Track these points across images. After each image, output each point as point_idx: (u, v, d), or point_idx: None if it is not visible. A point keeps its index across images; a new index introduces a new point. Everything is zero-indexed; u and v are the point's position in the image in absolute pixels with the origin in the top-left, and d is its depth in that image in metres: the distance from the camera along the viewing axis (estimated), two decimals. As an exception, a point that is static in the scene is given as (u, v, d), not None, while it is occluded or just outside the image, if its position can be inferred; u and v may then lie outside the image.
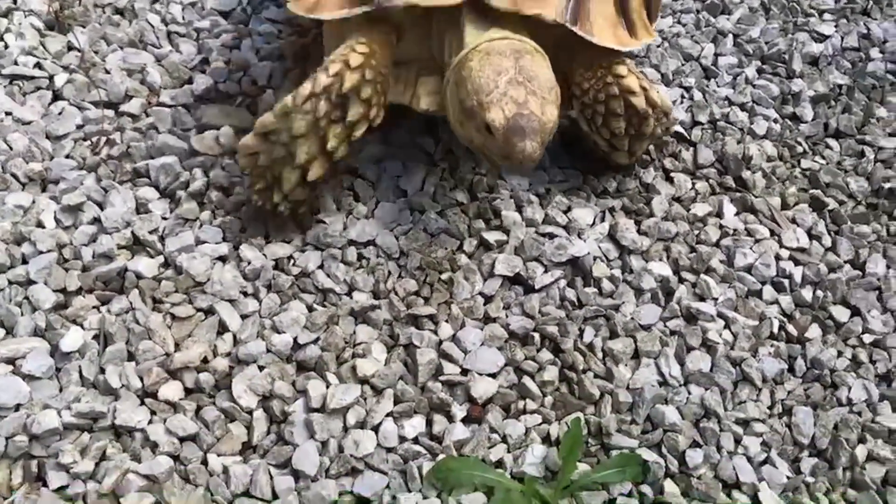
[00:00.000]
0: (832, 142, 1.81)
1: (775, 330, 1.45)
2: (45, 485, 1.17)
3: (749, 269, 1.53)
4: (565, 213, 1.57)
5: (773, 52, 1.98)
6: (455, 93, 1.34)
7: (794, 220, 1.63)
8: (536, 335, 1.39)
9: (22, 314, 1.32)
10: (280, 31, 1.86)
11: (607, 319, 1.43)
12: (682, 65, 1.93)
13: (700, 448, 1.30)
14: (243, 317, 1.37)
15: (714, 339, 1.41)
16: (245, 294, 1.39)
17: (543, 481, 1.24)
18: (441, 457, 1.24)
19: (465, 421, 1.29)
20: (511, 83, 1.27)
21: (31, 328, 1.30)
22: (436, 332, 1.38)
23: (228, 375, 1.30)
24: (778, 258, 1.55)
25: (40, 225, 1.43)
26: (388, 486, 1.22)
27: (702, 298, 1.48)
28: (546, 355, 1.37)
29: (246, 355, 1.31)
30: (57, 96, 1.65)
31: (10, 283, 1.35)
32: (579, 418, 1.29)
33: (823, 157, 1.78)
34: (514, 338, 1.39)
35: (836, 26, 2.09)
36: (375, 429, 1.26)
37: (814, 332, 1.46)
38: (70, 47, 1.75)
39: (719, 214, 1.62)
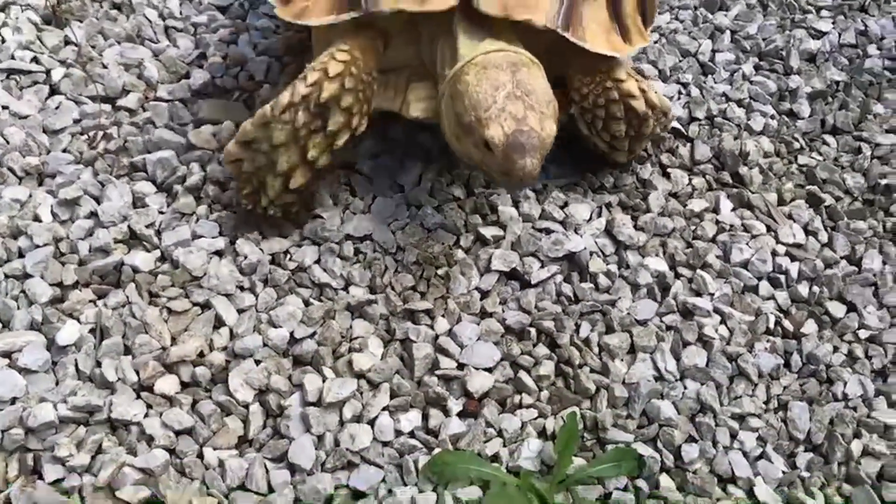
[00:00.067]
0: (829, 138, 1.81)
1: (771, 325, 1.45)
2: (40, 478, 1.17)
3: (745, 264, 1.53)
4: (562, 208, 1.57)
5: (770, 48, 1.98)
6: (451, 107, 1.32)
7: (790, 216, 1.63)
8: (533, 330, 1.39)
9: (18, 308, 1.32)
10: (277, 27, 1.85)
11: (603, 314, 1.43)
12: (680, 61, 1.93)
13: (696, 443, 1.30)
14: (240, 311, 1.37)
15: (710, 334, 1.41)
16: (241, 288, 1.39)
17: (539, 475, 1.24)
18: (437, 451, 1.25)
19: (461, 415, 1.30)
20: (509, 98, 1.25)
21: (28, 322, 1.30)
22: (432, 327, 1.38)
23: (225, 369, 1.30)
24: (774, 254, 1.55)
25: (37, 219, 1.43)
26: (384, 480, 1.22)
27: (698, 294, 1.48)
28: (542, 350, 1.37)
29: (242, 349, 1.31)
30: (54, 91, 1.65)
31: (7, 276, 1.35)
32: (575, 413, 1.29)
33: (820, 154, 1.78)
34: (510, 333, 1.39)
35: (833, 23, 2.10)
36: (371, 423, 1.27)
37: (810, 327, 1.46)
38: (67, 42, 1.75)
39: (716, 210, 1.62)
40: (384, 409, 1.28)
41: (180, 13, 1.88)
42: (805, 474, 1.29)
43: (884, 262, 1.57)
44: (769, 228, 1.60)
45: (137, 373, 1.27)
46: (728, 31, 2.02)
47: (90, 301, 1.35)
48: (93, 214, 1.44)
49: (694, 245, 1.54)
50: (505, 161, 1.22)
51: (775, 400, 1.37)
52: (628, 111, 1.49)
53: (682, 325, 1.42)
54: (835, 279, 1.52)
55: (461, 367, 1.34)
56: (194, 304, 1.36)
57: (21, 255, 1.38)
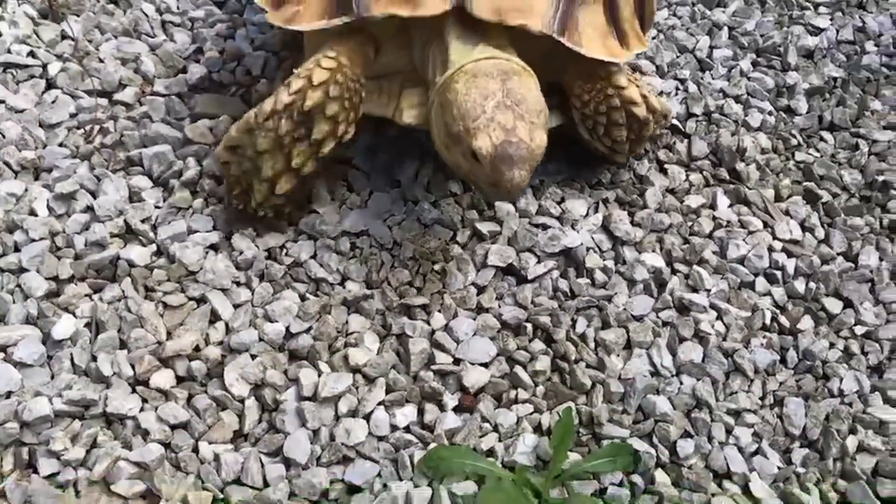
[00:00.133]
0: (826, 134, 1.81)
1: (767, 321, 1.45)
2: (35, 472, 1.17)
3: (742, 260, 1.53)
4: (559, 203, 1.57)
5: (768, 44, 1.98)
6: (440, 115, 1.29)
7: (787, 213, 1.63)
8: (529, 325, 1.39)
9: (14, 302, 1.32)
10: (274, 21, 1.85)
11: (600, 310, 1.43)
12: (677, 57, 1.93)
13: (691, 438, 1.30)
14: (236, 306, 1.37)
15: (706, 329, 1.41)
16: (237, 283, 1.39)
17: (534, 470, 1.24)
18: (432, 445, 1.24)
19: (456, 410, 1.30)
20: (499, 107, 1.22)
21: (23, 316, 1.30)
22: (428, 322, 1.38)
23: (220, 364, 1.30)
24: (771, 250, 1.55)
25: (33, 213, 1.42)
26: (379, 475, 1.22)
27: (694, 290, 1.48)
28: (538, 345, 1.37)
29: (238, 344, 1.31)
30: (50, 85, 1.65)
31: (3, 270, 1.35)
32: (571, 408, 1.29)
33: (817, 150, 1.78)
34: (506, 328, 1.39)
35: (831, 19, 2.10)
36: (367, 417, 1.27)
37: (806, 323, 1.46)
38: (64, 36, 1.74)
39: (713, 206, 1.62)
40: (380, 403, 1.28)
41: (177, 8, 1.88)
42: (800, 470, 1.29)
43: (880, 259, 1.57)
44: (766, 224, 1.60)
45: (133, 367, 1.27)
46: (726, 28, 2.02)
47: (86, 295, 1.35)
48: (89, 209, 1.44)
49: (691, 241, 1.54)
50: (493, 172, 1.20)
51: (771, 396, 1.37)
52: (630, 117, 1.48)
53: (678, 321, 1.42)
54: (831, 275, 1.51)
55: (457, 362, 1.34)
56: (190, 299, 1.36)
57: (17, 249, 1.38)
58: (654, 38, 1.96)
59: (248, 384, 1.28)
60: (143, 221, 1.43)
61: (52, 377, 1.26)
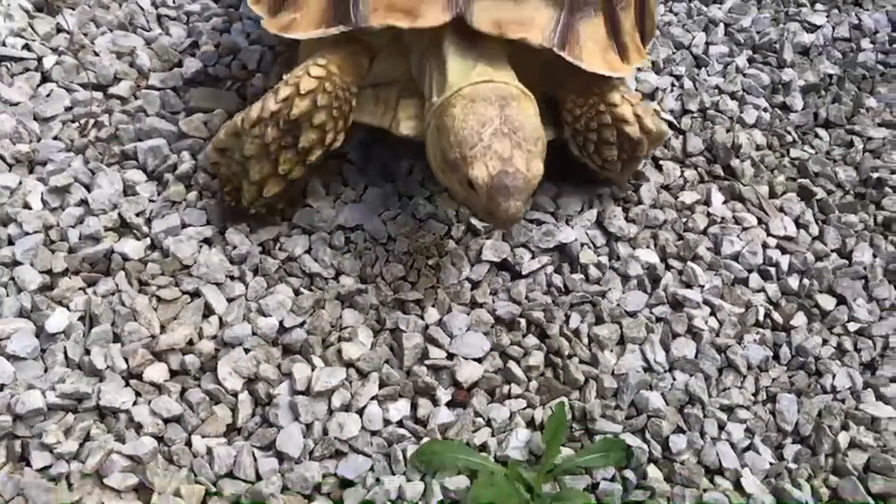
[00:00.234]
0: (821, 131, 1.81)
1: (761, 317, 1.45)
2: (28, 465, 1.17)
3: (736, 256, 1.53)
4: (553, 199, 1.57)
5: (764, 41, 1.98)
6: (437, 139, 1.27)
7: (781, 209, 1.63)
8: (523, 320, 1.39)
9: (7, 295, 1.32)
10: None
11: (593, 305, 1.43)
12: (673, 53, 1.93)
13: (684, 434, 1.30)
14: (229, 300, 1.37)
15: (700, 325, 1.41)
16: (231, 277, 1.39)
17: (527, 465, 1.24)
18: (425, 440, 1.25)
19: (449, 405, 1.30)
20: (496, 135, 1.20)
21: (17, 309, 1.30)
22: (422, 317, 1.38)
23: (214, 358, 1.30)
24: (765, 246, 1.56)
25: (27, 206, 1.42)
26: (371, 469, 1.22)
27: (688, 286, 1.48)
28: (532, 340, 1.38)
29: (231, 338, 1.31)
30: (45, 78, 1.65)
31: (-4, 263, 1.35)
32: (563, 403, 1.29)
33: (812, 147, 1.78)
34: (500, 323, 1.39)
35: (827, 16, 2.10)
36: (360, 412, 1.27)
37: (799, 319, 1.47)
38: (59, 29, 1.74)
39: (707, 202, 1.62)
40: (373, 398, 1.28)
41: (173, 2, 1.87)
42: (792, 466, 1.29)
43: (874, 256, 1.57)
44: (760, 221, 1.60)
45: (126, 360, 1.27)
46: (722, 24, 2.02)
47: (79, 289, 1.35)
48: (83, 202, 1.44)
49: (685, 237, 1.54)
50: (489, 202, 1.18)
51: (764, 392, 1.37)
52: (621, 136, 1.44)
53: (671, 317, 1.43)
54: (825, 272, 1.52)
55: (451, 356, 1.34)
56: (184, 293, 1.36)
57: (11, 242, 1.38)
58: (650, 34, 1.96)
59: (241, 378, 1.28)
60: (137, 215, 1.43)
61: (46, 370, 1.26)
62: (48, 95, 1.61)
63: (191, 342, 1.30)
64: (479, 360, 1.34)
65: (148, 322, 1.31)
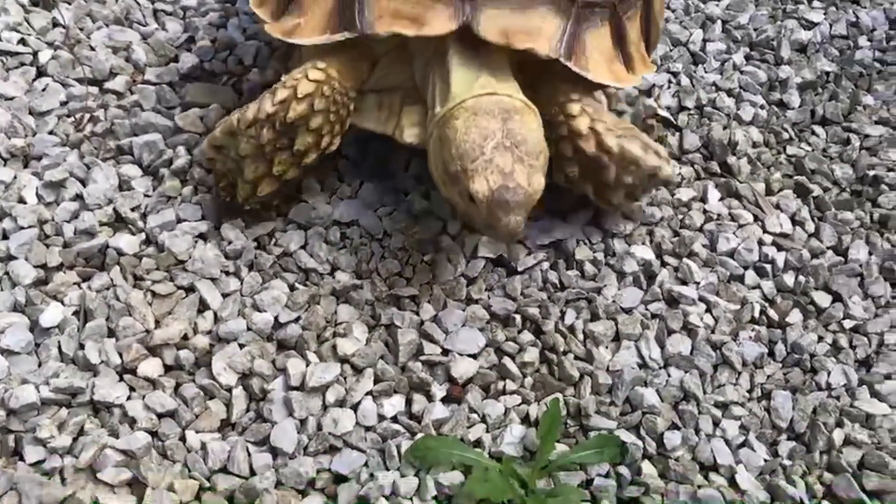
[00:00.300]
0: (818, 129, 1.81)
1: (756, 314, 1.45)
2: (21, 459, 1.17)
3: (732, 253, 1.53)
4: (549, 195, 1.56)
5: (761, 38, 1.98)
6: (439, 151, 1.27)
7: (778, 206, 1.63)
8: (518, 317, 1.39)
9: (2, 289, 1.32)
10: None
11: (589, 302, 1.43)
12: (670, 50, 1.93)
13: (678, 430, 1.30)
14: (224, 295, 1.36)
15: (695, 322, 1.41)
16: (226, 273, 1.39)
17: (521, 461, 1.25)
18: (420, 436, 1.25)
19: (444, 400, 1.30)
20: (497, 148, 1.19)
21: (11, 303, 1.30)
22: (417, 313, 1.38)
23: (208, 353, 1.30)
24: (761, 243, 1.56)
25: (22, 201, 1.42)
26: (366, 465, 1.22)
27: (684, 282, 1.48)
28: (527, 337, 1.38)
29: (226, 333, 1.31)
30: (41, 72, 1.64)
31: (-9, 258, 1.35)
32: (558, 399, 1.29)
33: (809, 144, 1.78)
34: (495, 319, 1.39)
35: (824, 14, 2.09)
36: (355, 407, 1.27)
37: (795, 316, 1.47)
38: (55, 23, 1.74)
39: (703, 199, 1.62)
40: (368, 393, 1.28)
41: (169, -4, 1.87)
42: (787, 462, 1.29)
43: (870, 253, 1.57)
44: (756, 218, 1.60)
45: (121, 355, 1.27)
46: (719, 21, 2.02)
47: (74, 283, 1.35)
48: (78, 197, 1.44)
49: (681, 234, 1.54)
50: (489, 216, 1.18)
51: (759, 388, 1.37)
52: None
53: (667, 314, 1.42)
54: (821, 269, 1.52)
55: (446, 352, 1.34)
56: (179, 288, 1.36)
57: (5, 236, 1.37)
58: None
59: (235, 373, 1.28)
60: (132, 210, 1.43)
61: (40, 365, 1.26)
62: (44, 90, 1.60)
63: (185, 337, 1.30)
64: (474, 356, 1.34)
65: (142, 317, 1.31)
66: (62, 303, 1.31)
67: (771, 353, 1.42)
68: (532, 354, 1.35)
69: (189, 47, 1.74)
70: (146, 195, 1.46)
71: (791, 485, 1.26)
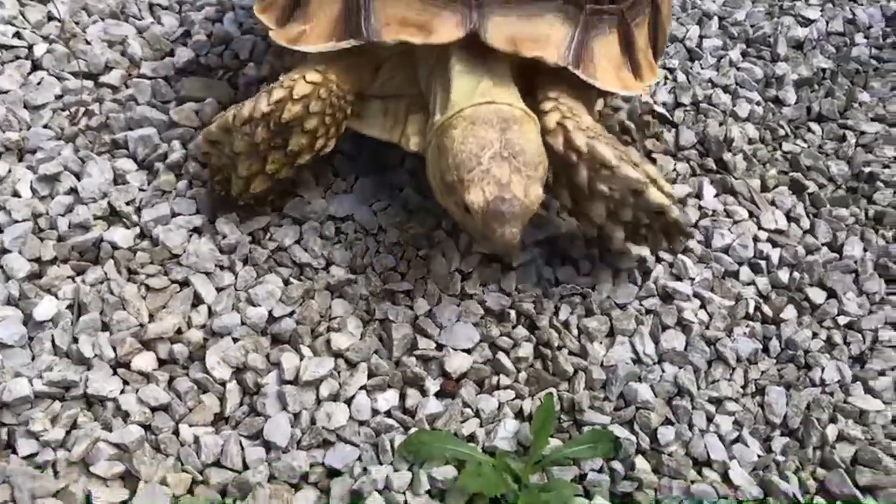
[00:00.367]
0: (814, 125, 1.81)
1: (751, 310, 1.45)
2: (14, 452, 1.16)
3: (726, 249, 1.53)
4: (544, 191, 1.56)
5: (757, 35, 1.98)
6: (436, 160, 1.25)
7: (773, 203, 1.63)
8: (512, 312, 1.39)
9: (-5, 283, 1.31)
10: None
11: (583, 297, 1.43)
12: (667, 46, 1.93)
13: (672, 426, 1.30)
14: (219, 289, 1.36)
15: (689, 318, 1.42)
16: (221, 267, 1.39)
17: (515, 456, 1.24)
18: (413, 430, 1.24)
19: (438, 395, 1.30)
20: (495, 159, 1.17)
21: (5, 297, 1.30)
22: (412, 308, 1.38)
23: (202, 347, 1.29)
24: (756, 240, 1.56)
25: (16, 194, 1.42)
26: (359, 459, 1.22)
27: (678, 278, 1.48)
28: (521, 332, 1.37)
29: (220, 327, 1.31)
30: (36, 66, 1.64)
31: (-16, 251, 1.34)
32: (552, 394, 1.29)
33: (805, 141, 1.78)
34: (489, 314, 1.39)
35: (821, 11, 2.10)
36: (348, 402, 1.26)
37: (789, 313, 1.47)
38: (50, 17, 1.73)
39: (699, 195, 1.62)
40: (361, 388, 1.28)
41: (165, -10, 1.87)
42: (780, 458, 1.30)
43: (864, 250, 1.57)
44: (751, 214, 1.61)
45: (114, 349, 1.26)
46: (716, 17, 2.02)
47: (68, 277, 1.34)
48: (73, 191, 1.43)
49: (676, 230, 1.54)
50: (484, 227, 1.16)
51: (753, 384, 1.37)
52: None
53: (661, 309, 1.43)
54: (815, 266, 1.52)
55: (440, 347, 1.34)
56: (173, 282, 1.36)
57: (0, 230, 1.37)
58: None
59: (229, 367, 1.28)
60: (127, 204, 1.42)
61: (33, 358, 1.25)
62: (39, 84, 1.60)
63: (179, 331, 1.30)
64: (469, 351, 1.34)
65: (136, 311, 1.30)
66: (56, 296, 1.31)
67: (765, 349, 1.42)
68: (526, 349, 1.35)
69: (185, 41, 1.74)
70: (141, 189, 1.46)
71: (784, 480, 1.26)
